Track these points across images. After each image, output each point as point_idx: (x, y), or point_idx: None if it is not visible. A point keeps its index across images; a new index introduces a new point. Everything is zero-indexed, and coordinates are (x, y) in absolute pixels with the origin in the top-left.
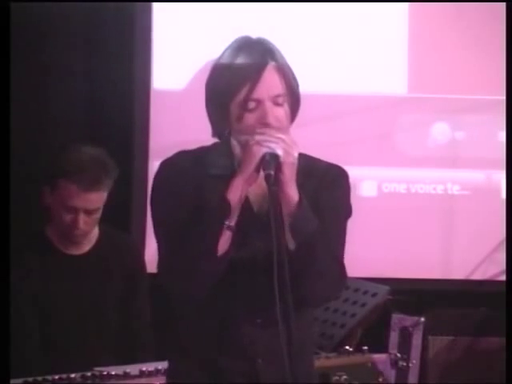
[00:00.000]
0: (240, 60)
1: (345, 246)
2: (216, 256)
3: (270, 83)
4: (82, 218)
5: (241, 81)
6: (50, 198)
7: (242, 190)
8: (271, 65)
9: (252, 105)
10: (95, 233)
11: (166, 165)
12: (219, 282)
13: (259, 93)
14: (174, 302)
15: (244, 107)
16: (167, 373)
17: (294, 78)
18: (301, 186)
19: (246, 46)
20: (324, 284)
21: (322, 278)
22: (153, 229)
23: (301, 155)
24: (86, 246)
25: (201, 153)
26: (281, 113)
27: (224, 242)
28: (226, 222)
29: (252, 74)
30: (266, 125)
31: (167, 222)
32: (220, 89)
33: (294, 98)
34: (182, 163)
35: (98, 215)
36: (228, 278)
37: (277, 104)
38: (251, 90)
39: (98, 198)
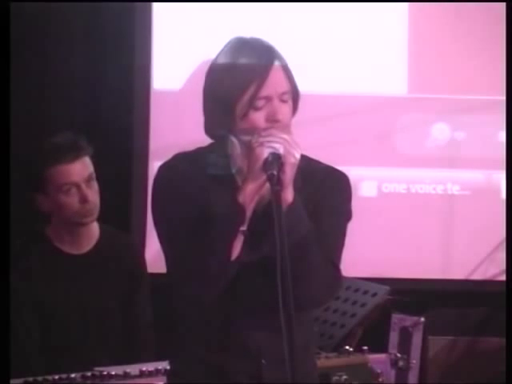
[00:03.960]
0: (243, 59)
1: (343, 249)
2: (229, 261)
3: (277, 81)
4: (85, 190)
5: (248, 80)
6: (49, 199)
7: (254, 193)
8: (276, 62)
9: (261, 103)
10: (96, 232)
11: (165, 168)
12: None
13: (268, 90)
14: (180, 303)
15: (252, 106)
16: (168, 373)
17: (293, 76)
18: (300, 189)
19: (246, 45)
20: (317, 286)
21: (316, 280)
22: (156, 232)
23: (301, 156)
24: (87, 246)
25: (198, 154)
26: (287, 109)
27: (237, 247)
28: (241, 228)
29: (260, 73)
30: (276, 121)
31: (173, 225)
32: (225, 89)
33: (296, 95)
34: (181, 165)
35: (95, 184)
36: (233, 279)
37: (283, 101)
38: (259, 89)
39: (84, 164)
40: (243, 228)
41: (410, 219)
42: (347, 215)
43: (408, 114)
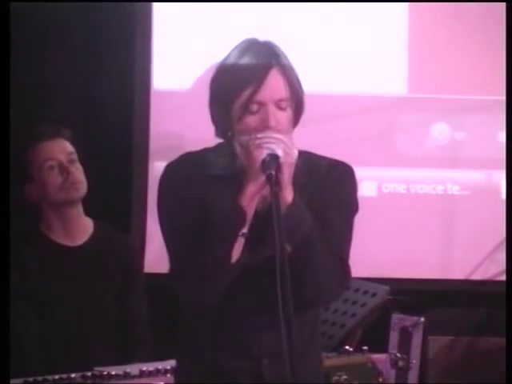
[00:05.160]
0: (245, 61)
1: (351, 243)
2: (230, 263)
3: (274, 87)
4: (66, 164)
5: (244, 82)
6: (34, 184)
7: (254, 195)
8: (276, 68)
9: (255, 107)
10: (89, 225)
11: (171, 168)
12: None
13: (263, 96)
14: (181, 303)
15: (246, 109)
16: (175, 373)
17: (298, 81)
18: (304, 186)
19: (252, 47)
20: (325, 284)
21: (323, 278)
22: (161, 231)
23: (303, 152)
24: (81, 237)
25: (204, 154)
26: (283, 117)
27: (238, 249)
28: (243, 231)
29: (256, 76)
30: (268, 128)
31: (178, 226)
32: (223, 89)
33: (297, 102)
34: (187, 166)
35: (78, 164)
36: (235, 280)
37: (280, 108)
38: (255, 93)
39: (65, 144)
40: (244, 230)
41: (410, 219)
42: (353, 207)
43: (408, 113)
